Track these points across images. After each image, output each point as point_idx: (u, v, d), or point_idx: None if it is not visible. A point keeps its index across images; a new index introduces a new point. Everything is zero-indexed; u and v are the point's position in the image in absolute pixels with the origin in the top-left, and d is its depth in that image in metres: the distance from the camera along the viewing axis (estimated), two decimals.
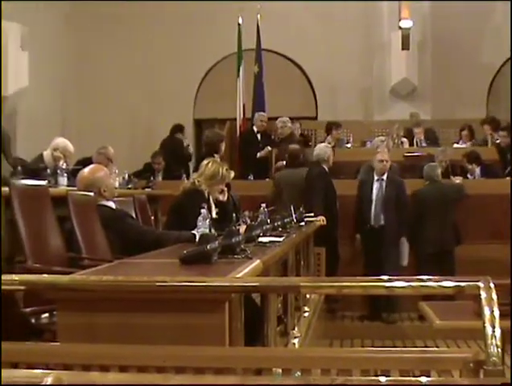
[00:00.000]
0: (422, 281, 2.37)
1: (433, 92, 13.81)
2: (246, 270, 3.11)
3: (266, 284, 2.78)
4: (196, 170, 6.96)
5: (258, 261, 3.42)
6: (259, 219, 5.03)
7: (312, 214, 8.11)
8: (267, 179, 10.50)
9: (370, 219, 9.15)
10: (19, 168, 6.34)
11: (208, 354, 2.35)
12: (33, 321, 3.87)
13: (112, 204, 5.40)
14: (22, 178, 5.25)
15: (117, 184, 7.85)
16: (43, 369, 2.15)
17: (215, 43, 13.83)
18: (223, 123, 13.19)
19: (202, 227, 4.03)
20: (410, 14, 13.33)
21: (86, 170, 5.44)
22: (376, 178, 9.26)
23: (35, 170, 6.92)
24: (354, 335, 8.79)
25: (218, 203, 5.86)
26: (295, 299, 6.01)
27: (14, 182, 4.51)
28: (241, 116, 12.74)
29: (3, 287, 2.51)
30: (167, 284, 2.51)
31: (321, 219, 8.47)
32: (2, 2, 10.53)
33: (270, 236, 4.95)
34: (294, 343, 5.21)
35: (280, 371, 2.34)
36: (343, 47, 13.90)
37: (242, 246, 3.72)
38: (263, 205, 5.42)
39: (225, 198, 5.98)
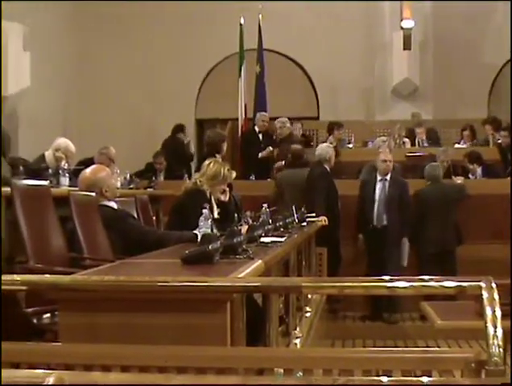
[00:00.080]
0: (423, 281, 2.37)
1: (435, 92, 13.81)
2: (248, 270, 3.11)
3: (268, 284, 2.78)
4: (197, 170, 6.97)
5: (260, 261, 3.42)
6: (261, 220, 5.03)
7: (314, 214, 8.12)
8: (269, 179, 10.50)
9: (373, 219, 9.15)
10: (21, 168, 6.35)
11: (209, 354, 2.35)
12: (35, 321, 3.87)
13: (114, 204, 5.40)
14: (24, 179, 5.26)
15: (118, 184, 7.84)
16: (44, 369, 2.15)
17: (217, 42, 13.83)
18: (225, 123, 13.20)
19: (204, 227, 4.03)
20: (411, 14, 13.33)
21: (88, 170, 5.44)
22: (379, 178, 9.25)
23: (36, 170, 6.93)
24: (356, 335, 8.79)
25: (220, 204, 5.86)
26: (297, 299, 6.01)
27: (16, 183, 4.51)
28: (243, 116, 12.73)
29: (5, 287, 2.51)
30: (169, 284, 2.51)
31: (323, 220, 8.48)
32: (2, 2, 10.53)
33: (272, 236, 4.96)
34: (295, 343, 5.21)
35: (282, 371, 2.34)
36: (345, 46, 13.89)
37: (244, 246, 3.72)
38: (265, 205, 5.42)
39: (227, 198, 5.97)
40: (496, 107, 13.69)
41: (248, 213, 5.16)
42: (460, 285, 2.29)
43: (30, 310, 3.82)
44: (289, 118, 12.27)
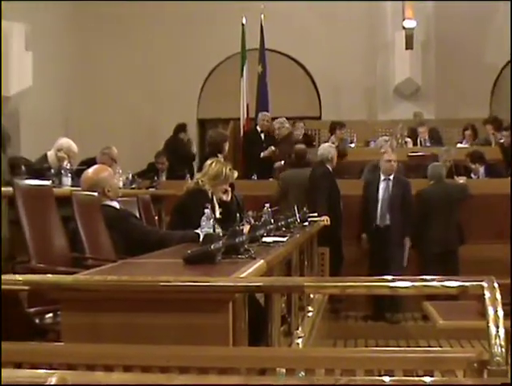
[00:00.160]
0: (425, 280, 2.37)
1: (437, 92, 13.80)
2: (250, 270, 3.11)
3: (270, 284, 2.78)
4: (199, 170, 6.97)
5: (262, 261, 3.42)
6: (263, 219, 5.03)
7: (316, 214, 8.12)
8: (271, 179, 10.51)
9: (376, 218, 9.16)
10: (23, 168, 6.35)
11: (211, 354, 2.35)
12: (37, 321, 3.87)
13: (116, 204, 5.40)
14: (27, 179, 5.26)
15: (121, 184, 7.84)
16: (47, 369, 2.15)
17: (219, 42, 13.84)
18: (226, 123, 13.19)
19: (206, 227, 4.03)
20: (413, 14, 13.32)
21: (90, 170, 5.44)
22: (382, 177, 9.26)
23: (39, 170, 6.93)
24: (358, 335, 8.78)
25: (222, 203, 5.85)
26: (299, 299, 6.01)
27: (18, 183, 4.52)
28: (245, 116, 12.74)
29: (8, 287, 2.52)
30: (171, 284, 2.51)
31: (325, 219, 8.48)
32: (3, 2, 10.54)
33: (274, 235, 4.96)
34: (297, 343, 5.21)
35: (284, 371, 2.34)
36: (347, 46, 13.89)
37: (246, 246, 3.72)
38: (267, 205, 5.42)
39: (229, 198, 5.97)
40: (498, 106, 13.68)
41: (250, 213, 5.16)
42: (462, 285, 2.29)
43: (32, 309, 3.83)
44: (291, 118, 12.29)
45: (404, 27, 13.40)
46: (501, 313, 2.06)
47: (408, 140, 12.12)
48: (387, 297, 8.21)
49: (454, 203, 9.16)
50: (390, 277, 2.42)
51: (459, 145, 11.85)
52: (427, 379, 1.86)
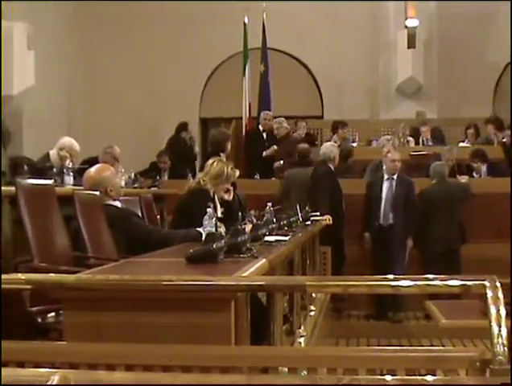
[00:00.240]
0: (428, 279, 2.36)
1: (439, 91, 13.80)
2: (252, 269, 3.11)
3: (272, 283, 2.78)
4: (201, 169, 6.96)
5: (264, 260, 3.42)
6: (265, 218, 5.03)
7: (318, 213, 8.11)
8: (273, 178, 10.51)
9: (379, 217, 9.17)
10: (26, 167, 6.35)
11: (214, 353, 2.35)
12: (39, 320, 3.88)
13: (118, 203, 5.40)
14: (29, 178, 5.26)
15: (123, 183, 7.85)
16: (49, 368, 2.15)
17: (221, 42, 13.84)
18: (229, 122, 13.19)
19: (208, 226, 4.03)
20: (416, 14, 13.33)
21: (92, 169, 5.44)
22: (386, 177, 9.27)
23: (41, 169, 6.94)
24: (360, 334, 8.78)
25: (224, 203, 5.85)
26: (301, 298, 6.01)
27: (21, 182, 4.52)
28: (247, 115, 12.74)
29: (10, 286, 2.52)
30: (173, 283, 2.51)
31: (327, 218, 8.47)
32: (4, 2, 10.55)
33: (276, 235, 4.95)
34: (300, 342, 5.21)
35: (286, 370, 2.34)
36: (349, 45, 13.90)
37: (248, 245, 3.72)
38: (269, 204, 5.42)
39: (231, 197, 5.97)
40: (500, 105, 13.69)
41: (252, 212, 5.16)
42: (464, 284, 2.29)
43: (34, 308, 3.83)
44: (293, 117, 12.30)
45: (406, 26, 13.41)
46: (503, 312, 2.06)
47: (410, 139, 12.11)
48: (389, 296, 8.20)
49: (456, 202, 9.16)
50: (392, 277, 2.42)
51: (461, 145, 11.83)
52: (430, 379, 1.86)
